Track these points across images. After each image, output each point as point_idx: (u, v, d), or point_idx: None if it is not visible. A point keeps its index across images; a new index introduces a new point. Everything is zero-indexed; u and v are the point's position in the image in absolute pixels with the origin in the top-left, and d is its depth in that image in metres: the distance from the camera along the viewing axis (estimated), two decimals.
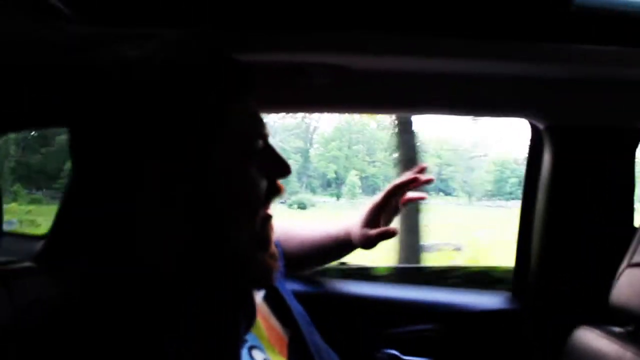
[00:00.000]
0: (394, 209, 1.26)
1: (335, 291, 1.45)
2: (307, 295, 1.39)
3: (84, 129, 0.69)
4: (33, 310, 0.66)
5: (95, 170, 0.69)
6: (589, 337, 1.11)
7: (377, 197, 1.24)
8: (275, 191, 0.78)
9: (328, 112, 1.48)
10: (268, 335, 0.86)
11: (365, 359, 1.38)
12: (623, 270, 1.07)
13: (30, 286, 0.69)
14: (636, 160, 1.37)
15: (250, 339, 0.79)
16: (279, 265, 0.81)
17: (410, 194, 1.25)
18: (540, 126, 1.40)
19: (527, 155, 1.50)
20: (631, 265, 1.05)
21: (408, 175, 1.22)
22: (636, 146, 1.36)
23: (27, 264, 0.95)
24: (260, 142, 0.76)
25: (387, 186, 1.23)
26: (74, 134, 0.70)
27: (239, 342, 0.73)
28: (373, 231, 1.23)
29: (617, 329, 1.10)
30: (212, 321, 0.72)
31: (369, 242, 1.24)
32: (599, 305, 1.11)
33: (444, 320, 1.41)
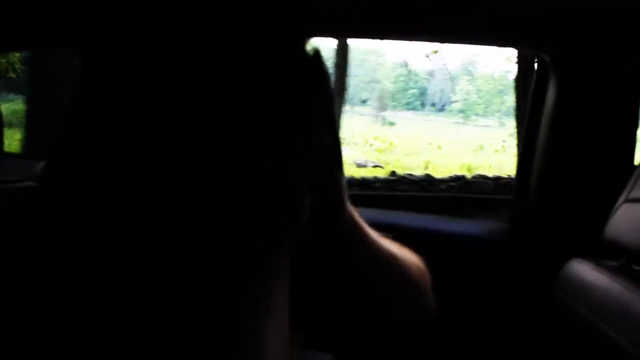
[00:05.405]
0: None
1: None
2: None
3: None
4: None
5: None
6: (581, 269, 1.13)
7: None
8: None
9: (343, 37, 1.45)
10: None
11: None
12: (620, 206, 1.07)
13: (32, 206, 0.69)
14: None
15: None
16: None
17: None
18: (547, 58, 1.38)
19: (532, 87, 1.48)
20: (628, 200, 1.06)
21: None
22: None
23: (28, 183, 0.96)
24: None
25: None
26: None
27: None
28: None
29: (608, 262, 1.12)
30: None
31: None
32: (593, 238, 1.13)
33: (438, 248, 1.43)
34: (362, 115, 20.64)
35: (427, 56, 9.32)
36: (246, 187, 0.52)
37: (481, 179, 8.55)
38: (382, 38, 1.46)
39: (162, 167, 0.54)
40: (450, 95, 25.94)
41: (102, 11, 0.60)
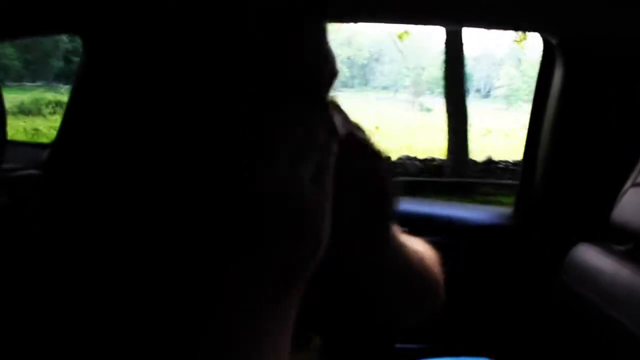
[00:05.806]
0: None
1: None
2: None
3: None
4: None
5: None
6: (588, 253, 1.12)
7: None
8: None
9: (352, 22, 1.44)
10: None
11: None
12: (627, 190, 1.07)
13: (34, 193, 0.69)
14: None
15: None
16: None
17: None
18: (553, 41, 1.36)
19: (538, 71, 1.46)
20: (635, 184, 1.05)
21: None
22: None
23: (32, 171, 0.96)
24: None
25: None
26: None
27: None
28: None
29: (616, 247, 1.11)
30: None
31: None
32: (600, 223, 1.12)
33: (446, 233, 1.43)
34: (400, 101, 20.45)
35: (399, 37, 8.65)
36: (246, 187, 0.52)
37: (407, 160, 8.48)
38: (382, 21, 1.44)
39: (161, 167, 0.53)
40: (494, 80, 25.42)
41: (103, 5, 0.59)
